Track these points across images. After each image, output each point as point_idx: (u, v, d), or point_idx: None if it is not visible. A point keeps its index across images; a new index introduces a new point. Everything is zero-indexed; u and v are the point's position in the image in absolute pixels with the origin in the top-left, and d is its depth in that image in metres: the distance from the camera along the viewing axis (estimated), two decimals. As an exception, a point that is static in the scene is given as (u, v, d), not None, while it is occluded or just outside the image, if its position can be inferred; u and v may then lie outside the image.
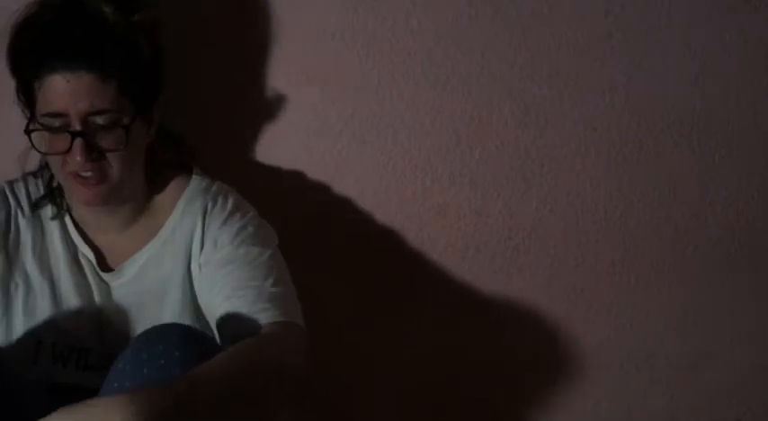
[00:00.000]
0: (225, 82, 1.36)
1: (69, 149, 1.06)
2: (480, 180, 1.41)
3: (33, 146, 1.09)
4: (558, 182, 1.41)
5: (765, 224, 1.45)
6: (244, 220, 1.17)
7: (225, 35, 1.35)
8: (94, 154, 1.07)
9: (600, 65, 1.37)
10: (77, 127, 1.06)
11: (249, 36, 1.35)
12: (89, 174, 1.08)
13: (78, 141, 1.06)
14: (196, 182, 1.20)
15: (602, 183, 1.42)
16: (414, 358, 1.48)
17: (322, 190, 1.40)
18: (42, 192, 1.19)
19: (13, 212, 1.17)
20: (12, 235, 1.16)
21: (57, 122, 1.06)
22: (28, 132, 1.08)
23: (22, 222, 1.17)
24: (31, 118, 1.09)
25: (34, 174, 1.21)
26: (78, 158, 1.06)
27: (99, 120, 1.06)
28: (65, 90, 1.04)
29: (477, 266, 1.44)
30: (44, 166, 1.19)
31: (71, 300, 1.16)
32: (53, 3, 1.09)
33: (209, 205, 1.17)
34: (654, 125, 1.40)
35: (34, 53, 1.07)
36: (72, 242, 1.18)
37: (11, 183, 1.20)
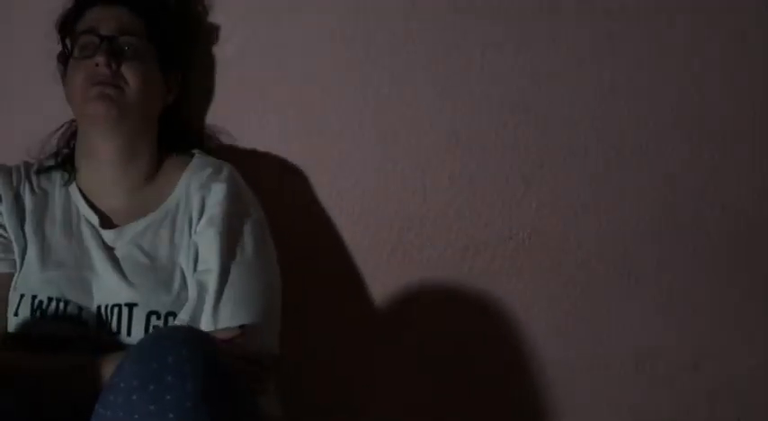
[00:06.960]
0: (224, 82, 1.37)
1: (96, 51, 1.19)
2: (480, 180, 1.41)
3: (65, 75, 1.24)
4: (558, 182, 1.41)
5: (765, 224, 1.45)
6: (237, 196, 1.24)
7: (226, 35, 1.35)
8: (117, 59, 1.19)
9: (600, 65, 1.37)
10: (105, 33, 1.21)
11: (249, 36, 1.35)
12: (106, 72, 1.18)
13: (105, 44, 1.19)
14: (199, 160, 1.28)
15: (602, 183, 1.42)
16: (412, 359, 1.48)
17: (322, 190, 1.40)
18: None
19: (21, 185, 1.25)
20: (19, 202, 1.24)
21: (89, 39, 1.21)
22: (64, 61, 1.25)
23: (27, 192, 1.25)
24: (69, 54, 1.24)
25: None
26: (100, 58, 1.18)
27: (125, 40, 1.21)
28: (99, 15, 1.23)
29: (477, 266, 1.44)
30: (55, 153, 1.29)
31: (60, 254, 1.21)
32: None
33: (210, 181, 1.23)
34: (654, 125, 1.40)
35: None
36: (75, 206, 1.24)
37: (24, 163, 1.30)
